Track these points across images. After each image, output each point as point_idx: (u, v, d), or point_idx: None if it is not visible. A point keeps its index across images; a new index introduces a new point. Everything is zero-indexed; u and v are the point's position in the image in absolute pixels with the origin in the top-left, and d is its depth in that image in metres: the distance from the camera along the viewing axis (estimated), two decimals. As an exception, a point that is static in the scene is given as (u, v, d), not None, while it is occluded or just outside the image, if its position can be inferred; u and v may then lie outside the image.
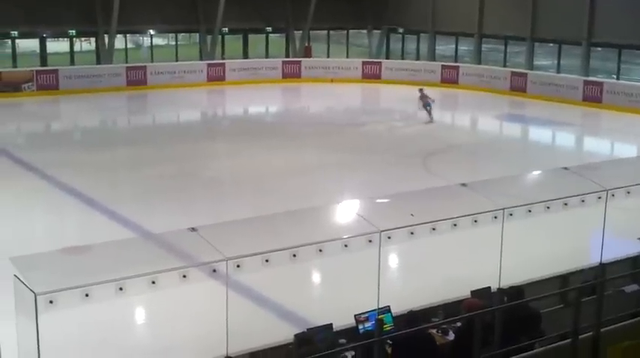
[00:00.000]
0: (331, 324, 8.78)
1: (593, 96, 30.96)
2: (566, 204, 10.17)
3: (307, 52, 39.24)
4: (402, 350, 8.11)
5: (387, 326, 8.67)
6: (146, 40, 37.73)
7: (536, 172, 14.33)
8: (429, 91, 28.30)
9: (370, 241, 8.66)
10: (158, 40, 38.78)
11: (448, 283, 10.99)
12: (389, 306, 9.00)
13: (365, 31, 41.24)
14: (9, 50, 34.05)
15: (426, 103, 27.60)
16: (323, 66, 37.94)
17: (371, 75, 37.45)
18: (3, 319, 6.27)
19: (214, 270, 7.72)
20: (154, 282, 7.34)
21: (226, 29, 37.24)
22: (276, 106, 34.37)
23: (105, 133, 27.73)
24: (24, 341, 6.87)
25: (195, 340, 9.99)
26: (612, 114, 29.58)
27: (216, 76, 35.79)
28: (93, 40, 35.67)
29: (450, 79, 35.74)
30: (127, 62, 35.39)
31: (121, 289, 7.18)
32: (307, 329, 8.77)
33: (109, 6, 33.26)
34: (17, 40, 34.04)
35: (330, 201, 12.68)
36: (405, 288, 12.31)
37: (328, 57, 40.02)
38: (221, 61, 36.78)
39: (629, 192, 10.67)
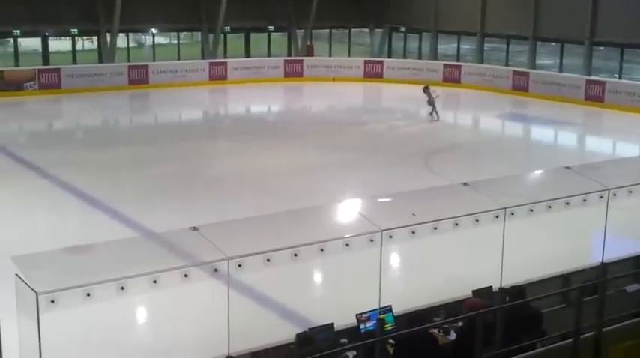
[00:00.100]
0: (332, 324, 8.78)
1: (595, 95, 30.92)
2: (567, 204, 10.16)
3: (309, 51, 39.23)
4: (405, 350, 8.10)
5: (389, 326, 8.66)
6: (148, 39, 37.75)
7: (538, 171, 14.32)
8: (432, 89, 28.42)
9: (372, 240, 8.66)
10: (160, 39, 38.80)
11: (449, 282, 10.95)
12: (390, 306, 8.99)
13: (367, 30, 41.24)
14: (11, 49, 34.11)
15: (431, 100, 27.70)
16: (325, 65, 37.93)
17: (373, 74, 37.44)
18: (4, 318, 6.27)
19: (216, 270, 7.72)
20: (155, 282, 7.35)
21: (228, 28, 37.24)
22: (278, 105, 34.36)
23: (107, 132, 27.75)
24: (25, 341, 6.88)
25: (197, 339, 9.98)
26: (614, 114, 29.55)
27: (218, 75, 35.80)
28: (95, 38, 35.72)
29: (452, 78, 35.72)
30: (129, 61, 35.40)
31: (122, 288, 7.19)
32: (309, 329, 8.77)
33: (111, 5, 33.27)
34: (19, 39, 34.12)
35: (331, 200, 12.68)
36: (406, 288, 12.28)
37: (330, 56, 40.02)
38: (223, 60, 36.79)
39: (631, 192, 10.66)
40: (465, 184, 10.07)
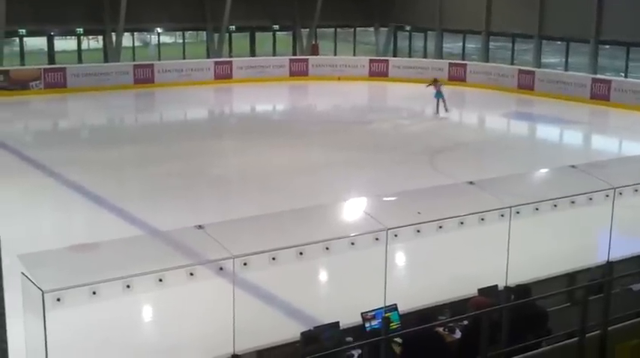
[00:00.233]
0: (338, 322, 8.78)
1: (601, 94, 30.86)
2: (573, 202, 10.14)
3: (314, 50, 39.23)
4: (412, 349, 8.09)
5: (394, 325, 8.67)
6: (153, 38, 37.79)
7: (544, 170, 14.29)
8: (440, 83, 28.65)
9: (377, 239, 8.66)
10: (165, 38, 38.85)
11: (455, 281, 10.97)
12: (396, 304, 8.99)
13: (372, 29, 41.19)
14: (17, 48, 34.17)
15: (438, 92, 27.89)
16: (330, 64, 37.92)
17: (378, 73, 37.41)
18: (11, 317, 6.28)
19: (221, 268, 7.72)
20: (161, 280, 7.35)
21: (233, 27, 37.25)
22: (283, 104, 34.37)
23: (112, 131, 27.78)
24: (31, 339, 6.89)
25: (202, 338, 10.00)
26: (620, 112, 29.47)
27: (224, 74, 35.81)
28: (100, 38, 35.74)
29: (457, 76, 35.66)
30: (134, 60, 35.41)
31: (128, 287, 7.19)
32: (314, 327, 8.77)
33: (116, 4, 33.32)
34: (25, 39, 34.17)
35: (336, 199, 12.68)
36: (411, 286, 12.31)
37: (335, 55, 39.99)
38: (228, 59, 36.80)
39: (636, 190, 10.64)
40: (471, 183, 10.06)
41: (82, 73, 33.17)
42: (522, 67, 34.54)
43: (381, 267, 8.74)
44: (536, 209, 9.85)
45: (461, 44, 38.44)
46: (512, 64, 35.81)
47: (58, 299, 6.78)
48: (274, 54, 39.00)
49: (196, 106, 31.92)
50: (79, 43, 35.45)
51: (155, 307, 11.43)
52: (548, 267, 10.73)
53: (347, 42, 41.54)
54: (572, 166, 11.06)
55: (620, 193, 10.34)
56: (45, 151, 22.52)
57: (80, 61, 34.95)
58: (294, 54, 39.16)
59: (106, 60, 34.82)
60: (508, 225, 9.51)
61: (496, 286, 9.64)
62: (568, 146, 26.23)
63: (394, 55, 40.25)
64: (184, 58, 36.68)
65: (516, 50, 36.30)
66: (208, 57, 36.89)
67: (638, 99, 29.65)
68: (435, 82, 28.70)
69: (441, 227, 9.18)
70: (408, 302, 9.40)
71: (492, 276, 9.72)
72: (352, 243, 8.68)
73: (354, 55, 40.44)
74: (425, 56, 39.16)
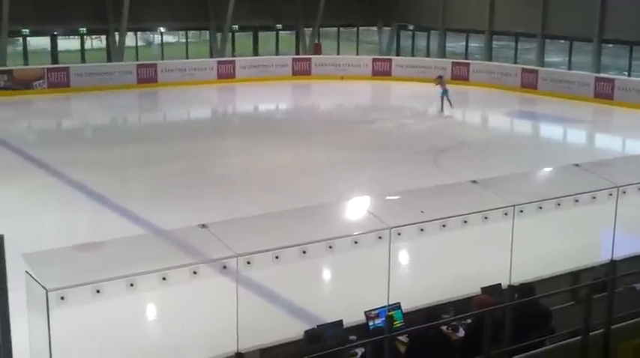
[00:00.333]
0: (341, 321, 8.79)
1: (604, 93, 30.84)
2: (577, 201, 10.13)
3: (317, 50, 39.23)
4: (418, 348, 8.08)
5: (397, 323, 8.67)
6: (156, 38, 37.82)
7: (547, 169, 14.27)
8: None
9: (380, 238, 8.65)
10: (168, 38, 38.85)
11: (458, 280, 10.96)
12: (399, 303, 8.99)
13: (375, 28, 41.20)
14: (20, 48, 34.24)
15: (444, 90, 27.93)
16: (333, 63, 37.93)
17: (381, 72, 37.42)
18: (15, 315, 6.30)
19: (225, 267, 7.73)
20: (164, 279, 7.36)
21: (236, 26, 37.27)
22: (286, 104, 34.38)
23: (115, 131, 27.81)
24: (35, 337, 6.90)
25: (206, 336, 10.01)
26: (624, 111, 29.44)
27: (227, 74, 35.84)
28: (104, 37, 35.80)
29: (460, 75, 35.64)
30: (137, 60, 35.46)
31: (131, 285, 7.20)
32: (317, 326, 8.77)
33: (119, 4, 33.35)
34: (28, 38, 34.25)
35: (340, 197, 12.67)
36: (415, 285, 12.31)
37: (338, 54, 40.01)
38: (231, 59, 36.83)
39: (640, 189, 10.63)
40: (474, 182, 10.06)
41: (86, 72, 33.23)
42: (525, 66, 34.53)
43: (384, 266, 8.74)
44: (540, 208, 9.84)
45: (464, 43, 38.42)
46: (515, 63, 35.78)
47: (62, 298, 6.79)
48: (277, 53, 39.01)
49: (199, 106, 31.94)
50: (82, 43, 35.50)
51: (159, 306, 11.44)
52: (552, 266, 10.71)
53: (350, 41, 41.55)
54: (576, 165, 11.05)
55: (624, 192, 10.33)
56: (48, 151, 22.55)
57: (83, 60, 35.00)
58: (297, 53, 39.18)
59: (109, 59, 34.87)
60: (512, 224, 9.51)
61: (499, 285, 9.63)
62: (571, 145, 26.21)
63: (397, 54, 40.26)
64: (187, 58, 36.72)
65: (519, 49, 36.27)
66: (211, 56, 36.91)
67: (641, 97, 29.63)
68: (439, 79, 28.76)
69: (444, 226, 9.17)
70: (412, 300, 9.40)
71: (496, 275, 9.71)
72: (355, 242, 8.68)
73: (357, 54, 40.46)
74: (428, 55, 39.15)
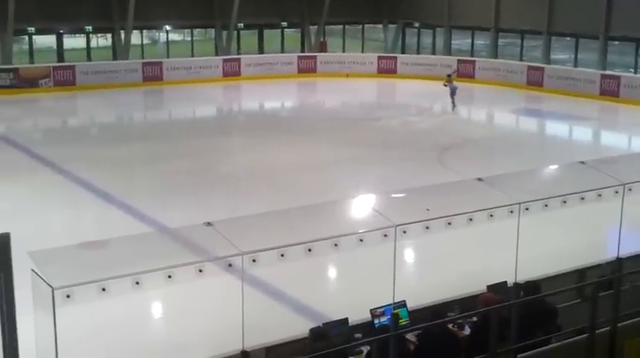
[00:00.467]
0: (347, 319, 8.79)
1: (610, 90, 30.76)
2: (582, 199, 10.11)
3: (322, 47, 39.21)
4: (426, 346, 8.08)
5: (403, 321, 8.67)
6: (162, 36, 37.84)
7: (553, 166, 14.26)
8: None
9: (385, 236, 8.65)
10: (174, 36, 38.88)
11: (464, 278, 10.95)
12: (404, 301, 8.99)
13: (380, 26, 41.13)
14: (26, 46, 34.28)
15: (452, 88, 27.92)
16: (338, 61, 37.90)
17: (386, 69, 37.38)
18: (21, 313, 6.31)
19: (230, 265, 7.73)
20: (170, 277, 7.37)
21: (242, 24, 37.26)
22: (292, 101, 34.38)
23: (121, 129, 27.85)
24: (41, 335, 6.92)
25: (211, 334, 10.02)
26: (630, 109, 29.37)
27: (232, 72, 35.84)
28: (109, 36, 35.80)
29: (466, 73, 35.55)
30: (143, 58, 35.49)
31: (137, 283, 7.21)
32: (323, 324, 8.78)
33: (125, 1, 33.38)
34: (34, 37, 34.26)
35: (345, 195, 12.68)
36: (420, 283, 12.30)
37: (344, 52, 39.95)
38: (237, 57, 36.83)
39: (646, 186, 10.59)
40: (479, 179, 10.04)
41: (91, 70, 33.28)
42: (531, 64, 34.44)
43: (389, 264, 8.74)
44: (546, 205, 9.82)
45: (469, 41, 38.35)
46: (521, 60, 35.69)
47: (68, 296, 6.81)
48: (282, 51, 38.97)
49: (205, 104, 31.95)
50: (88, 41, 35.54)
51: (164, 303, 11.45)
52: (558, 264, 10.70)
53: (355, 39, 41.51)
54: (582, 162, 11.03)
55: (630, 189, 10.30)
56: (54, 149, 22.59)
57: (89, 58, 35.03)
58: (303, 51, 39.15)
59: (114, 57, 34.89)
60: (517, 222, 9.49)
61: (505, 282, 9.62)
62: (577, 142, 26.15)
63: (403, 52, 40.17)
64: (193, 56, 36.72)
65: (525, 46, 36.19)
66: (217, 54, 36.92)
67: (647, 95, 29.56)
68: (448, 78, 28.72)
69: (449, 223, 9.16)
70: (417, 298, 9.40)
71: (501, 273, 9.70)
72: (361, 240, 8.68)
73: (363, 51, 40.40)
74: (433, 53, 39.06)
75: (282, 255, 8.00)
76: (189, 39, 38.13)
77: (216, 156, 22.29)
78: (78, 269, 7.36)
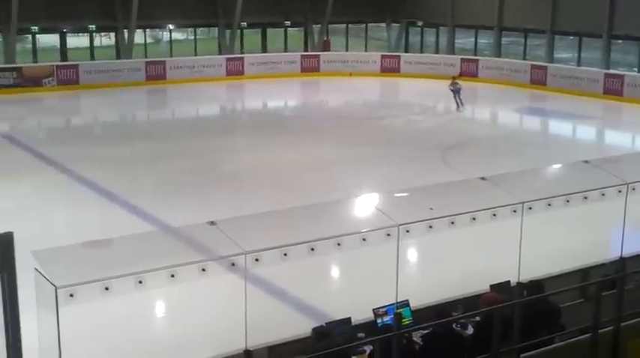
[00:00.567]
0: (350, 318, 8.79)
1: (613, 89, 30.70)
2: (586, 198, 10.10)
3: (326, 46, 39.20)
4: (430, 346, 8.08)
5: (406, 321, 8.65)
6: (165, 35, 37.86)
7: (557, 166, 14.24)
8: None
9: (389, 235, 8.64)
10: (177, 35, 38.88)
11: (467, 277, 10.93)
12: (407, 300, 8.98)
13: (384, 25, 41.12)
14: (29, 45, 34.33)
15: (456, 89, 27.90)
16: (342, 60, 37.89)
17: (390, 68, 37.36)
18: (24, 312, 6.32)
19: (233, 264, 7.74)
20: (173, 276, 7.37)
21: (245, 23, 37.28)
22: (295, 100, 34.38)
23: (124, 128, 27.88)
24: (45, 334, 6.93)
25: (214, 333, 10.02)
26: (633, 108, 29.32)
27: (235, 71, 35.86)
28: (112, 35, 35.85)
29: (469, 72, 35.53)
30: (146, 57, 35.52)
31: (140, 282, 7.22)
32: (325, 323, 8.77)
33: (128, 1, 33.39)
34: (38, 36, 34.32)
35: (348, 194, 12.67)
36: (423, 282, 12.29)
37: (347, 51, 39.96)
38: (240, 56, 36.85)
39: (650, 186, 10.57)
40: (483, 178, 10.03)
41: (95, 69, 33.31)
42: (535, 63, 34.40)
43: (392, 263, 8.73)
44: (549, 204, 9.81)
45: (473, 39, 38.30)
46: (524, 59, 35.64)
47: (71, 295, 6.81)
48: (286, 50, 38.97)
49: (208, 103, 31.97)
50: (92, 40, 35.56)
51: (167, 303, 11.46)
52: (561, 263, 10.68)
53: (358, 38, 41.49)
54: (585, 162, 11.01)
55: (633, 189, 10.29)
56: (58, 148, 22.62)
57: (92, 57, 35.05)
58: (306, 50, 39.16)
59: (118, 57, 34.95)
60: (520, 221, 9.48)
61: (508, 282, 9.61)
62: (581, 141, 26.12)
63: (406, 51, 40.16)
64: (196, 55, 36.74)
65: (529, 45, 36.14)
66: (220, 53, 36.91)
67: (651, 94, 29.50)
68: (453, 80, 28.71)
69: (452, 223, 9.15)
70: (420, 298, 9.38)
71: (505, 272, 9.69)
72: (364, 239, 8.68)
73: (366, 50, 40.39)
74: (437, 52, 39.04)
75: (285, 255, 8.01)
76: (193, 38, 38.15)
77: (219, 155, 22.30)
78: (81, 268, 7.37)
